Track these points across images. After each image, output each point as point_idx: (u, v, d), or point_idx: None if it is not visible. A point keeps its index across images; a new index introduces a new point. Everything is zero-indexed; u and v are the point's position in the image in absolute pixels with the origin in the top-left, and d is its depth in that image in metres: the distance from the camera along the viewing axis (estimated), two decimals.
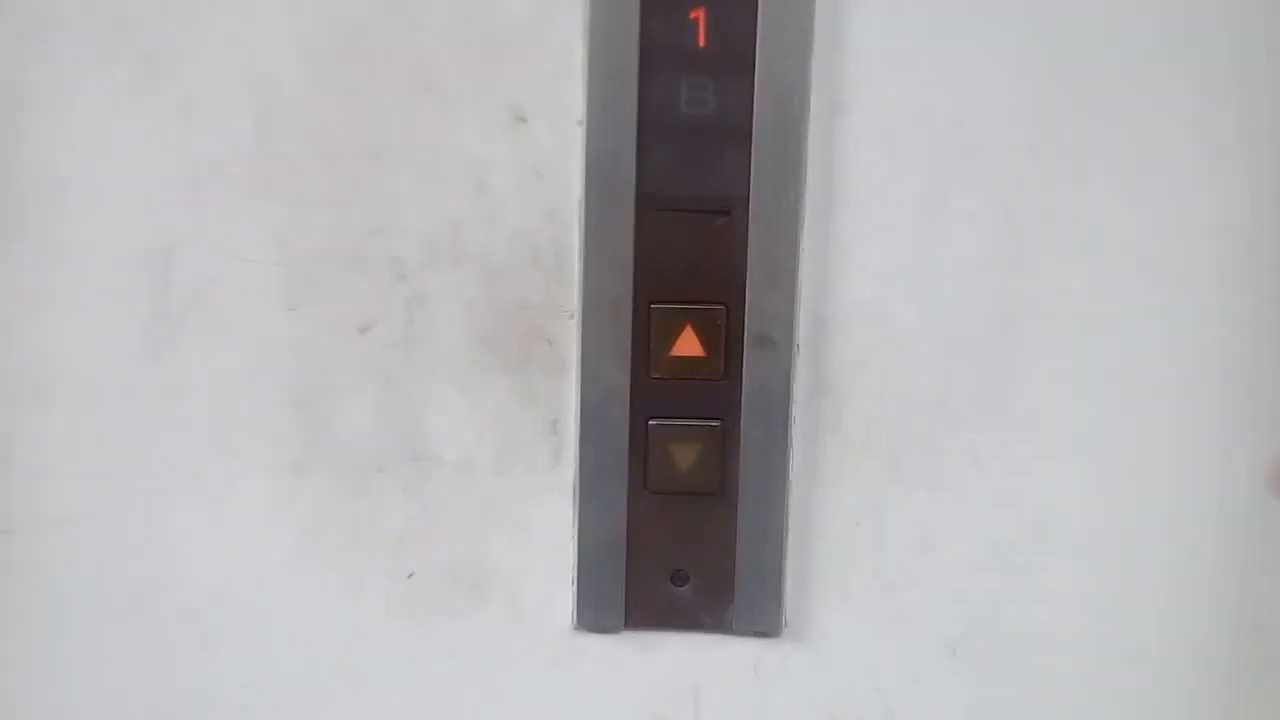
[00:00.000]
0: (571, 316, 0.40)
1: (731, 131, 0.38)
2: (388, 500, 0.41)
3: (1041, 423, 0.41)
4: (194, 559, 0.41)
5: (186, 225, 0.39)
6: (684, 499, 0.40)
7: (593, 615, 0.41)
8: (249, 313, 0.40)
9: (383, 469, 0.41)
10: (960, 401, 0.42)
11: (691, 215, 0.39)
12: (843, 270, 0.41)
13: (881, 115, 0.39)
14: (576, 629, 0.41)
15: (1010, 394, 0.42)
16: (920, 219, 0.41)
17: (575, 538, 0.41)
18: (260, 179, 0.39)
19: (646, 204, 0.38)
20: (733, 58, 0.38)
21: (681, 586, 0.41)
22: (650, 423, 0.40)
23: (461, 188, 0.39)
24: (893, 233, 0.41)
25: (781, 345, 0.41)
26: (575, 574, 0.41)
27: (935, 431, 0.43)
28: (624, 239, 0.39)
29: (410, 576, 0.42)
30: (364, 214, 0.39)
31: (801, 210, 0.40)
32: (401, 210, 0.39)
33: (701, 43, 0.38)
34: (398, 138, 0.39)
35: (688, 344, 0.39)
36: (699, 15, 0.38)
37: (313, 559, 0.41)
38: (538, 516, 0.41)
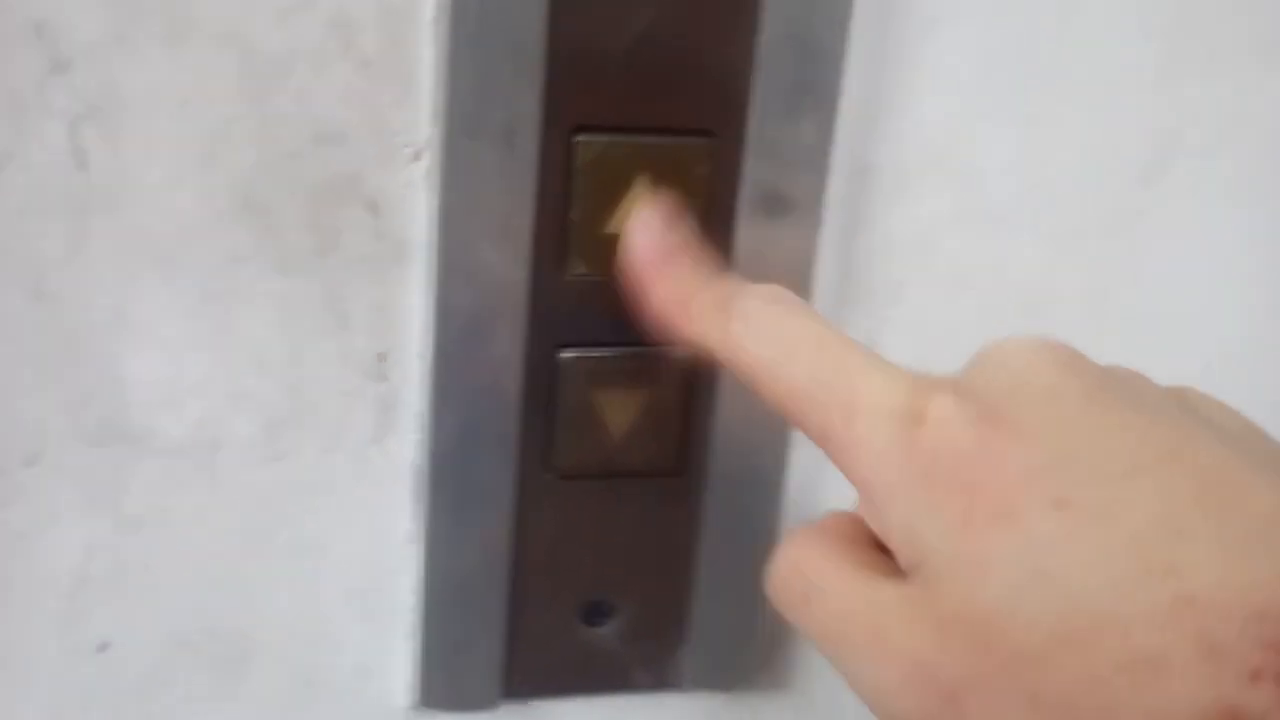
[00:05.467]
0: (417, 156, 0.24)
1: None
2: (48, 514, 0.24)
3: None
4: None
5: None
6: (614, 486, 0.27)
7: (448, 683, 0.27)
8: None
9: (35, 456, 0.24)
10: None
11: None
12: (914, 85, 0.26)
13: None
14: (418, 707, 0.28)
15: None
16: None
17: (419, 559, 0.26)
18: None
19: None
20: None
21: (601, 625, 0.28)
22: (562, 354, 0.25)
23: None
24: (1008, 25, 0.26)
25: (803, 210, 0.25)
26: (419, 618, 0.27)
27: None
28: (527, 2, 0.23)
29: (103, 649, 0.25)
30: None
31: None
32: None
33: None
34: None
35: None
36: None
37: None
38: (351, 526, 0.26)
